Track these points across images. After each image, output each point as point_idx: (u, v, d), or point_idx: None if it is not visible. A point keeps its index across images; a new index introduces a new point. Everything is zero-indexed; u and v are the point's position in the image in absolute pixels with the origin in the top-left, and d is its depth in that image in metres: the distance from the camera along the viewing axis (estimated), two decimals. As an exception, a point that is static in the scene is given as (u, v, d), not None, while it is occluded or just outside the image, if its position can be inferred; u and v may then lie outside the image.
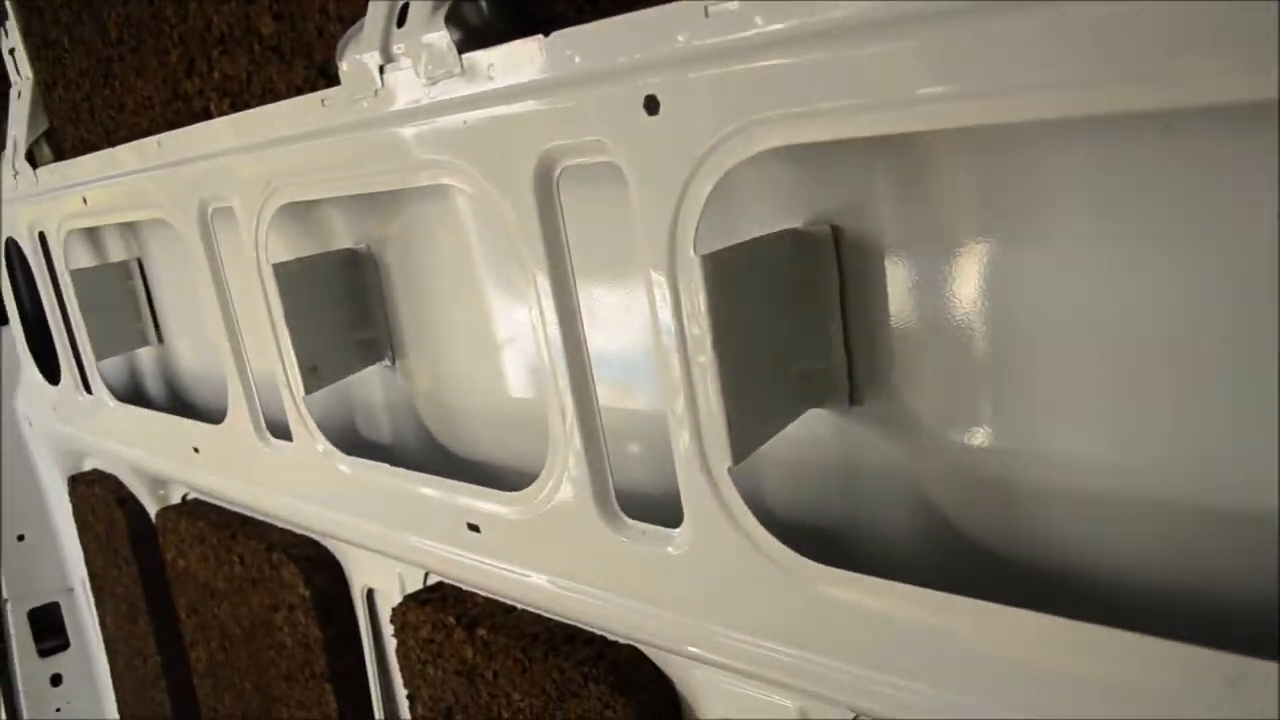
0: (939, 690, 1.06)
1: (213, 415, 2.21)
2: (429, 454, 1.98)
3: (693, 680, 1.40)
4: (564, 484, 1.37)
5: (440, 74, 1.28)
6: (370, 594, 2.00)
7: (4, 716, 3.24)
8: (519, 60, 1.19)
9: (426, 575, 1.81)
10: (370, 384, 2.06)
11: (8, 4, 2.39)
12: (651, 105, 1.07)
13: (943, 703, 1.06)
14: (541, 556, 1.47)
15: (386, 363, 1.96)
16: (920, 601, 1.04)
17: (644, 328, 1.48)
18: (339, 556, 2.03)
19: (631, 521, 1.33)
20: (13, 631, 3.21)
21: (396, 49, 1.33)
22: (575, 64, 1.12)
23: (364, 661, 2.07)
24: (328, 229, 1.98)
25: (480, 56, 1.23)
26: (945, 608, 1.02)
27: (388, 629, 1.97)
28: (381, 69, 1.36)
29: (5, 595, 3.17)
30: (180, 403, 2.78)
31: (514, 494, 1.47)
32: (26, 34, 2.35)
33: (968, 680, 1.03)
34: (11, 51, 2.45)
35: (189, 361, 2.72)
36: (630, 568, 1.34)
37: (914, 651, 1.06)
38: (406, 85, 1.34)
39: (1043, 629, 0.95)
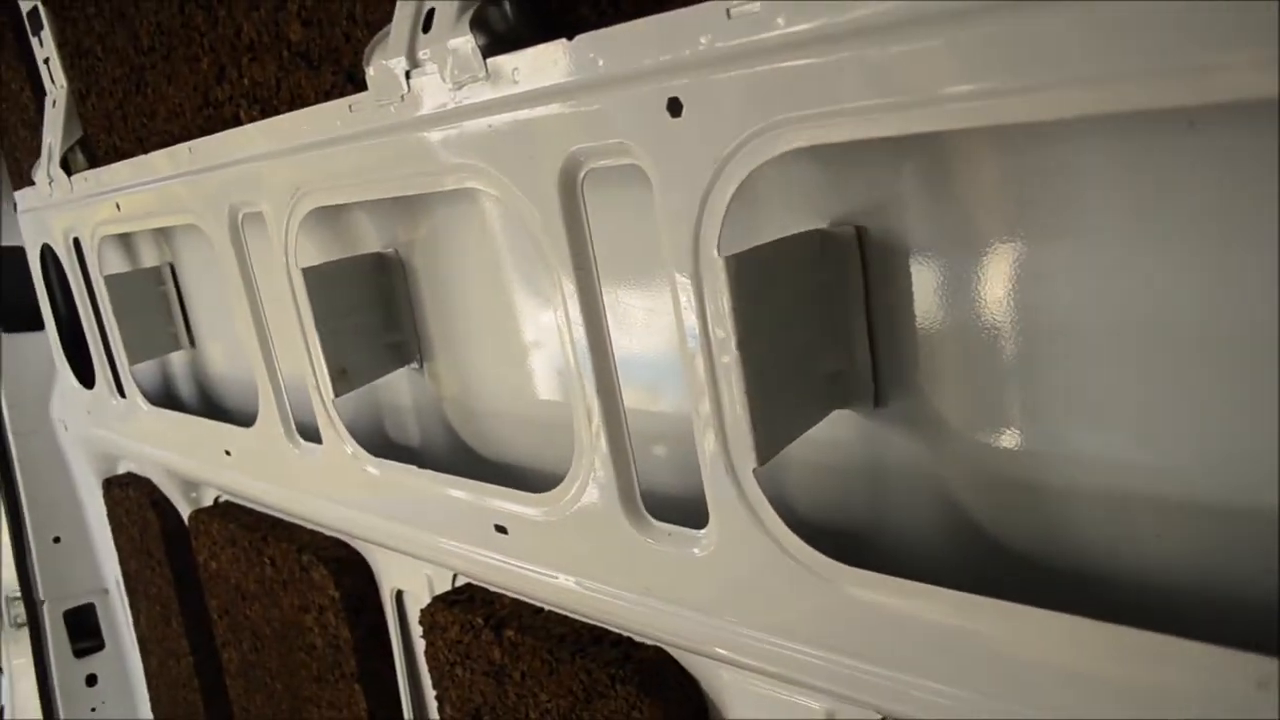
0: (967, 692, 1.05)
1: (244, 418, 2.24)
2: (456, 456, 1.99)
3: (719, 681, 1.40)
4: (590, 485, 1.38)
5: (465, 78, 1.28)
6: (399, 595, 2.02)
7: (41, 716, 3.28)
8: (543, 64, 1.19)
9: (455, 577, 1.82)
10: (398, 387, 2.08)
11: (42, 15, 2.42)
12: (675, 107, 1.08)
13: (970, 705, 1.05)
14: (568, 557, 1.48)
15: (414, 365, 1.97)
16: (948, 603, 1.03)
17: (667, 329, 1.48)
18: (368, 558, 2.04)
19: (657, 523, 1.34)
20: (49, 632, 3.25)
21: (422, 54, 1.34)
22: (599, 67, 1.13)
23: (393, 662, 2.08)
24: (356, 233, 2.00)
25: (505, 61, 1.24)
26: (974, 609, 1.01)
27: (416, 630, 1.98)
28: (408, 74, 1.37)
29: (42, 596, 3.22)
30: (212, 406, 2.81)
31: (540, 495, 1.47)
32: (61, 44, 2.39)
33: (996, 682, 1.02)
34: (46, 61, 2.49)
35: (220, 365, 2.75)
36: (656, 569, 1.34)
37: (942, 653, 1.06)
38: (432, 90, 1.35)
39: (1072, 631, 0.94)
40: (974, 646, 1.03)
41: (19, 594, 3.27)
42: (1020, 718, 1.00)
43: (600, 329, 1.29)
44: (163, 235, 2.71)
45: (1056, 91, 0.80)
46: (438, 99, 1.35)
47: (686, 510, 1.33)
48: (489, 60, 1.25)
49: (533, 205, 1.28)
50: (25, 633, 3.31)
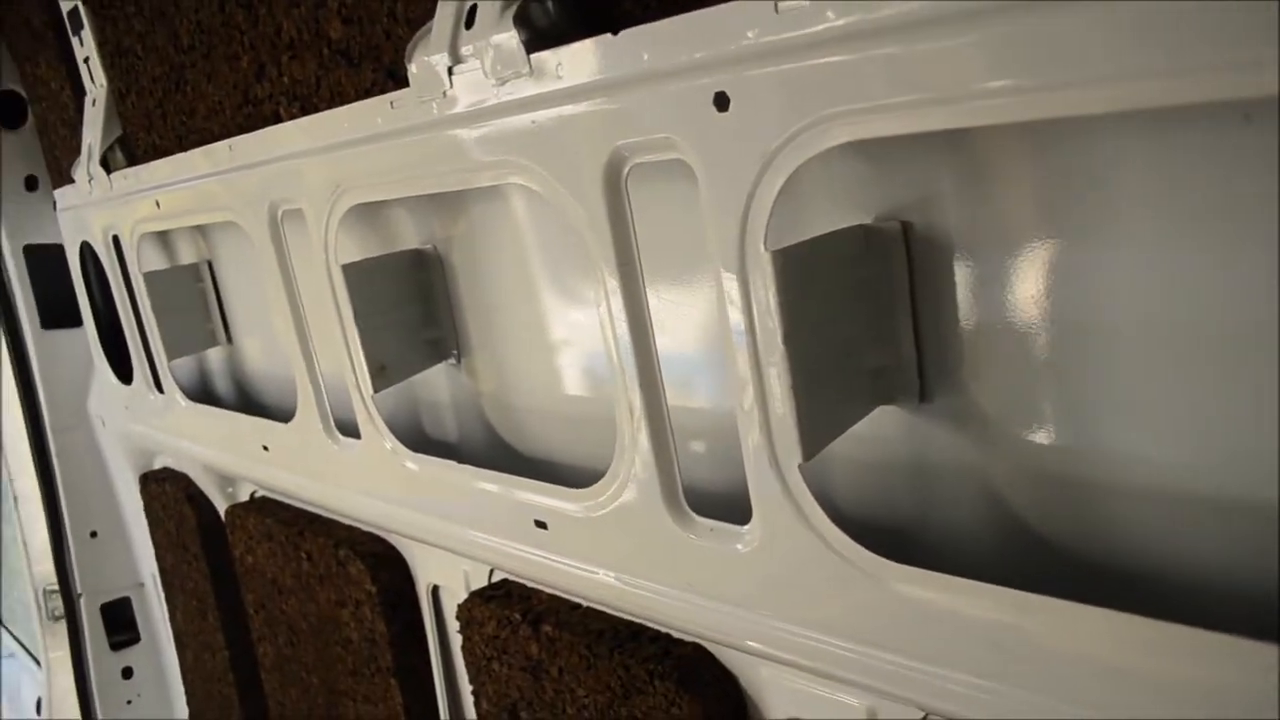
0: (1013, 689, 1.05)
1: (280, 414, 2.26)
2: (493, 451, 2.00)
3: (758, 678, 1.40)
4: (632, 481, 1.38)
5: (509, 74, 1.29)
6: (435, 590, 2.02)
7: (78, 708, 3.32)
8: (588, 59, 1.19)
9: (491, 572, 1.83)
10: (435, 382, 2.09)
11: (82, 14, 2.45)
12: (721, 102, 1.08)
13: (1016, 702, 1.04)
14: (608, 553, 1.48)
15: (452, 361, 1.98)
16: (996, 599, 1.03)
17: (707, 325, 1.48)
18: (404, 553, 2.05)
19: (700, 518, 1.34)
20: (86, 625, 3.29)
21: (465, 50, 1.35)
22: (644, 62, 1.13)
23: (429, 657, 2.09)
24: (394, 229, 2.01)
25: (549, 56, 1.24)
26: (1022, 606, 1.00)
27: (453, 625, 1.99)
28: (450, 70, 1.37)
29: (79, 590, 3.26)
30: (248, 402, 2.83)
31: (581, 491, 1.47)
32: (101, 43, 2.41)
33: (1043, 679, 1.02)
34: (86, 60, 2.51)
35: (257, 361, 2.77)
36: (698, 564, 1.34)
37: (988, 650, 1.05)
38: (475, 86, 1.35)
39: (1122, 627, 0.94)
40: (1021, 643, 1.02)
41: (56, 587, 3.31)
42: (1068, 716, 1.00)
43: (643, 325, 1.29)
44: (200, 232, 2.73)
45: (1108, 86, 0.80)
46: (480, 95, 1.35)
47: (722, 506, 1.33)
48: (532, 56, 1.26)
49: (576, 201, 1.28)
50: (62, 626, 3.34)
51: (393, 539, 2.07)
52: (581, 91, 1.22)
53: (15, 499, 3.29)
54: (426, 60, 1.40)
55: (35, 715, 3.76)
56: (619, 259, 1.26)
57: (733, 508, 1.30)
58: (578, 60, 1.21)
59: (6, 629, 4.31)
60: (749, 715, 1.43)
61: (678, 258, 1.48)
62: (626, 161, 1.23)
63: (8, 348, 3.09)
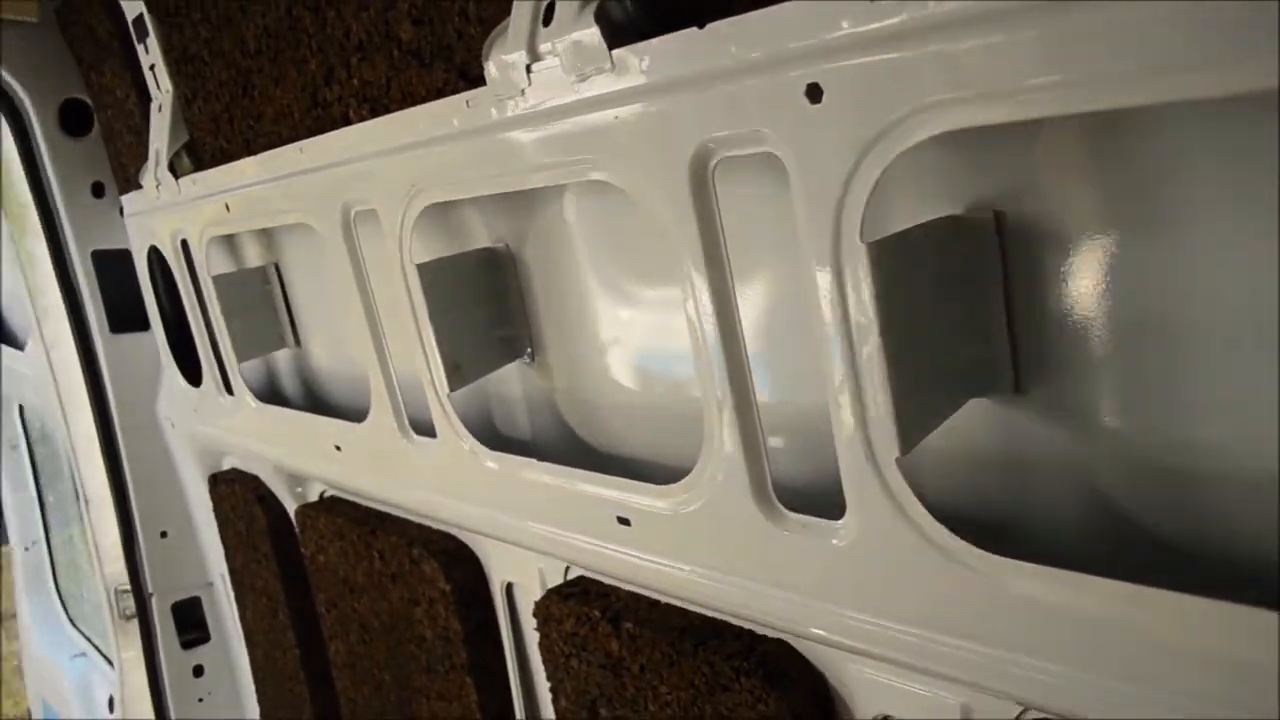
0: (1116, 682, 1.03)
1: (348, 414, 2.27)
2: (567, 448, 2.00)
3: (845, 674, 1.38)
4: (720, 477, 1.37)
5: (590, 70, 1.28)
6: (509, 588, 2.03)
7: (151, 706, 3.37)
8: (673, 53, 1.19)
9: (567, 570, 1.83)
10: (508, 380, 2.09)
11: (147, 22, 2.48)
12: (814, 93, 1.06)
13: (1119, 696, 1.02)
14: (694, 549, 1.48)
15: (525, 359, 1.98)
16: (1105, 592, 1.01)
17: (789, 319, 1.47)
18: (477, 551, 2.06)
19: (791, 513, 1.33)
20: (158, 624, 3.34)
21: (543, 48, 1.34)
22: (732, 54, 1.12)
23: (502, 654, 2.10)
24: (465, 229, 2.02)
25: (632, 51, 1.23)
26: (1133, 598, 0.98)
27: (527, 622, 2.00)
28: (528, 68, 1.37)
29: (150, 590, 3.31)
30: (315, 403, 2.85)
31: (667, 487, 1.47)
32: (167, 50, 2.44)
33: (1150, 672, 0.99)
34: (152, 67, 2.54)
35: (323, 362, 2.79)
36: (788, 559, 1.33)
37: (1092, 643, 1.03)
38: (555, 83, 1.35)
39: (1239, 619, 0.91)
40: (1129, 636, 1.00)
41: (127, 587, 3.36)
42: (1184, 717, 0.98)
43: (732, 320, 1.28)
44: (265, 236, 2.76)
45: (1224, 69, 0.78)
46: (560, 92, 1.35)
47: (803, 501, 1.32)
48: (614, 52, 1.25)
49: (661, 196, 1.27)
50: (133, 625, 3.40)
51: (465, 537, 2.07)
52: (667, 86, 1.21)
53: (86, 501, 3.34)
54: (504, 59, 1.40)
55: (108, 713, 3.83)
56: (706, 253, 1.25)
57: (816, 502, 1.29)
58: (663, 55, 1.20)
59: (78, 628, 4.39)
60: (836, 712, 1.42)
61: (755, 252, 1.46)
62: (713, 155, 1.22)
63: (78, 351, 3.14)
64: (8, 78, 2.95)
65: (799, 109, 1.08)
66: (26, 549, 4.55)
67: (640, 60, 1.23)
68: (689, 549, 1.48)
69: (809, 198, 1.10)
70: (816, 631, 1.35)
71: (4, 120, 3.00)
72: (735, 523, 1.38)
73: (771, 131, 1.12)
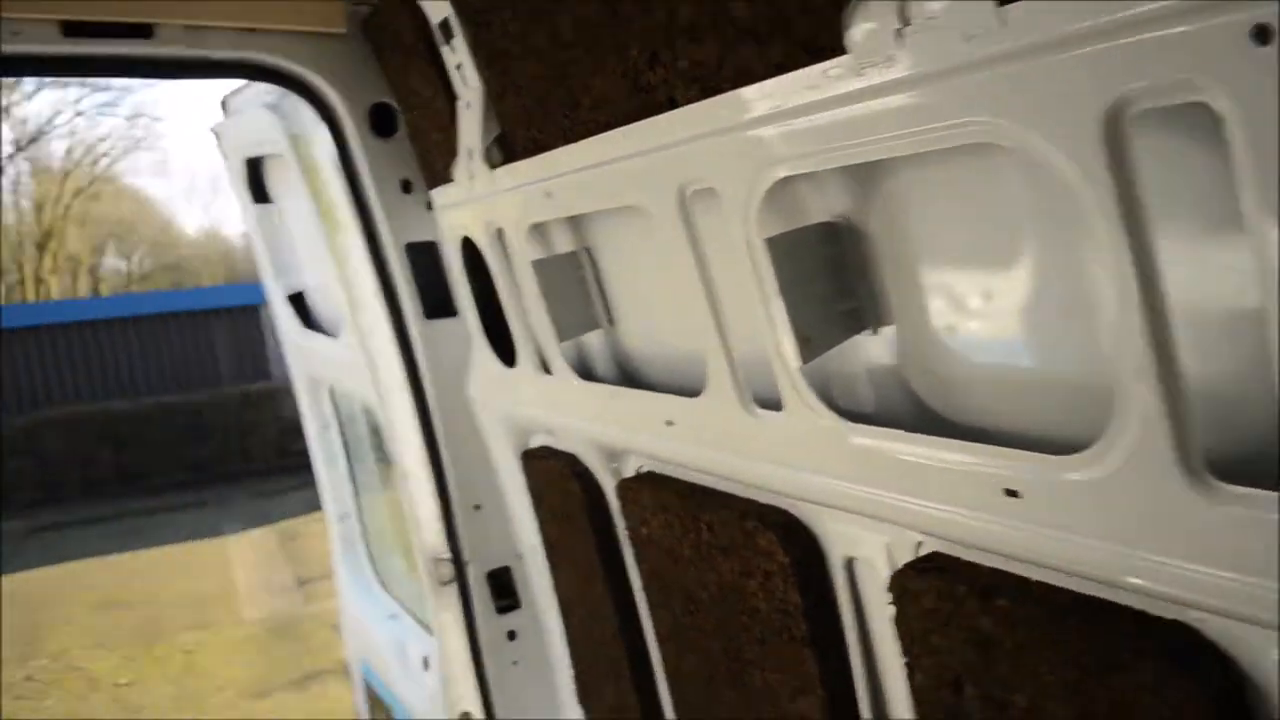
0: None
1: (663, 391, 2.31)
2: (918, 420, 1.94)
3: (1267, 661, 1.28)
4: (1137, 444, 1.29)
5: (977, 31, 1.23)
6: (850, 563, 2.01)
7: (471, 667, 3.59)
8: (1079, 4, 1.12)
9: (919, 545, 1.79)
10: (849, 353, 2.05)
11: (453, 24, 2.58)
12: (1262, 35, 0.97)
13: None
14: (1104, 523, 1.39)
15: (870, 331, 1.95)
16: None
17: (1196, 280, 1.36)
18: (812, 525, 2.05)
19: (1226, 485, 1.23)
20: (474, 591, 3.55)
21: (912, 11, 1.30)
22: None
23: (839, 627, 2.09)
24: (797, 204, 1.99)
25: (1024, 7, 1.17)
26: None
27: (869, 597, 1.98)
28: (898, 32, 1.33)
29: (467, 558, 3.52)
30: (629, 380, 2.92)
31: (1069, 458, 1.40)
32: (475, 48, 2.54)
33: None
34: (459, 67, 2.66)
35: (637, 340, 2.85)
36: (1219, 535, 1.24)
37: None
38: (930, 46, 1.30)
39: None
40: None
41: (443, 555, 3.58)
42: None
43: (1153, 280, 1.20)
44: (573, 222, 2.84)
45: None
46: (937, 55, 1.30)
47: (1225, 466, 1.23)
48: (1005, 7, 1.19)
49: (1066, 156, 1.20)
50: (448, 591, 3.62)
51: (797, 510, 2.07)
52: (1072, 39, 1.14)
53: (404, 476, 3.58)
54: (869, 26, 1.36)
55: (423, 670, 4.11)
56: (1123, 210, 1.18)
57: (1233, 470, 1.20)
58: (1063, 6, 1.13)
59: (390, 593, 4.73)
60: (1249, 703, 1.32)
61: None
62: (1130, 107, 1.14)
63: (395, 338, 3.35)
64: (323, 85, 3.17)
65: (1242, 54, 0.99)
66: (341, 519, 4.94)
67: (1038, 15, 1.16)
68: (1096, 522, 1.40)
69: (1256, 151, 1.01)
70: (1243, 613, 1.25)
71: (321, 125, 3.23)
72: (1154, 494, 1.29)
73: (1207, 80, 1.04)
